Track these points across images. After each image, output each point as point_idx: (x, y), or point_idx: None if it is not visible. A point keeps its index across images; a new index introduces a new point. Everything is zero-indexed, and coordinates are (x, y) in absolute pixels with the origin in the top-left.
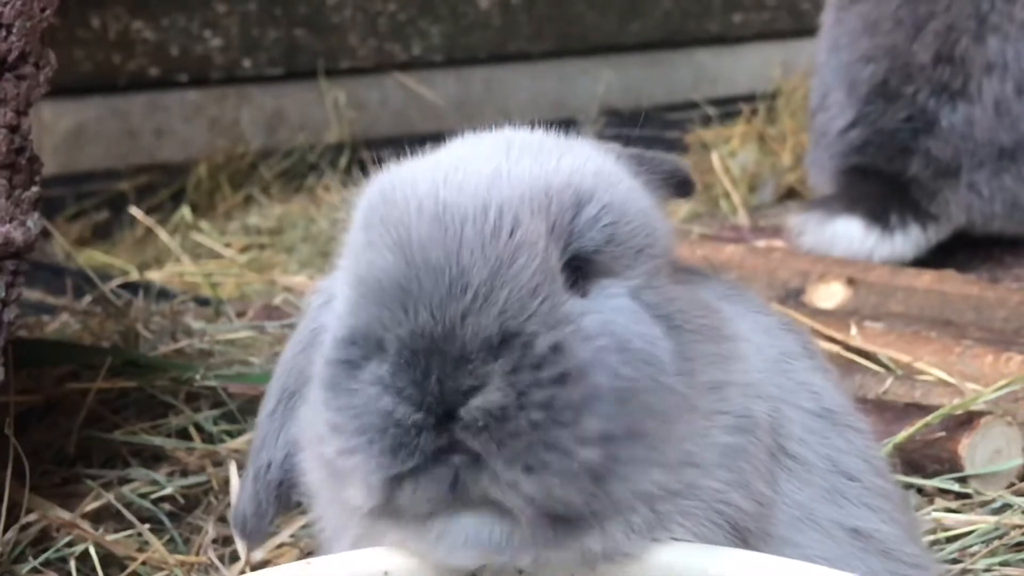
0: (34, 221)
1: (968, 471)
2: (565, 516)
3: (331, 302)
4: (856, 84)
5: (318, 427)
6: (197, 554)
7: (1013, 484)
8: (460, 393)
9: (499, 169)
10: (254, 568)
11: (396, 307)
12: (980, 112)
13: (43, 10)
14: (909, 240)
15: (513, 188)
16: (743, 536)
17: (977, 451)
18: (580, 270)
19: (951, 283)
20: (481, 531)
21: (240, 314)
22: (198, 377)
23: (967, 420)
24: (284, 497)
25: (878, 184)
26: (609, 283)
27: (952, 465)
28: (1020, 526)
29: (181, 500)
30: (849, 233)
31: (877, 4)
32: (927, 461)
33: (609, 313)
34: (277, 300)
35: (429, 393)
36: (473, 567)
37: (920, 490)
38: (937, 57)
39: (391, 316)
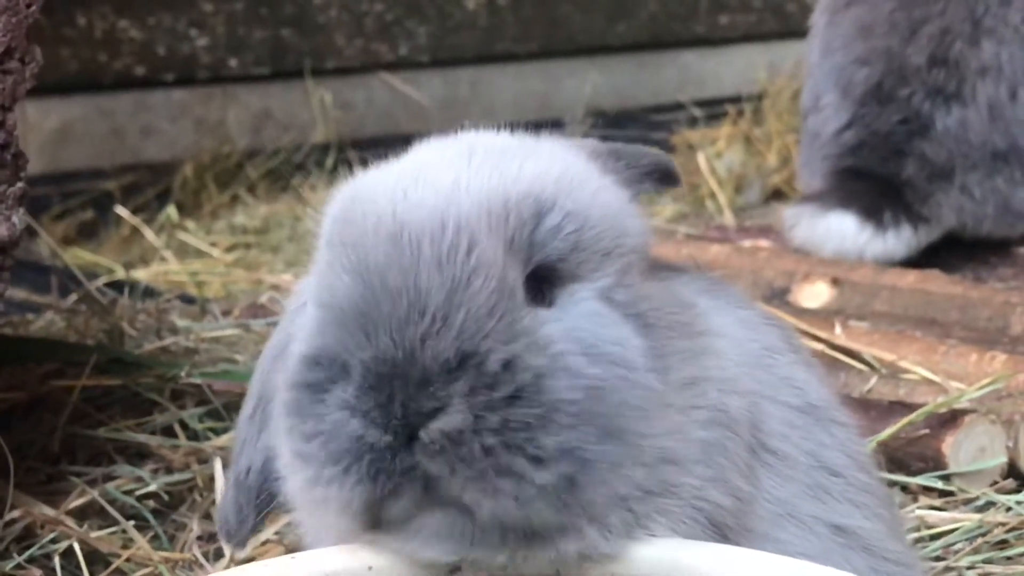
0: (19, 217)
1: (952, 469)
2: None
3: (305, 307)
4: (850, 86)
5: (285, 455)
6: (182, 551)
7: (996, 482)
8: (423, 415)
9: (458, 181)
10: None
11: (357, 331)
12: (974, 115)
13: (29, 6)
14: (901, 239)
15: (471, 202)
16: (722, 532)
17: (961, 449)
18: (545, 279)
19: (936, 283)
20: (453, 527)
21: (226, 313)
22: (183, 374)
23: (951, 418)
24: (265, 501)
25: (871, 185)
26: (577, 287)
27: (936, 463)
28: (1003, 524)
29: (166, 497)
30: (842, 229)
31: (871, 8)
32: (911, 459)
33: (574, 320)
34: (263, 299)
35: (394, 416)
36: (449, 562)
37: (904, 488)
38: (932, 60)
39: (353, 341)
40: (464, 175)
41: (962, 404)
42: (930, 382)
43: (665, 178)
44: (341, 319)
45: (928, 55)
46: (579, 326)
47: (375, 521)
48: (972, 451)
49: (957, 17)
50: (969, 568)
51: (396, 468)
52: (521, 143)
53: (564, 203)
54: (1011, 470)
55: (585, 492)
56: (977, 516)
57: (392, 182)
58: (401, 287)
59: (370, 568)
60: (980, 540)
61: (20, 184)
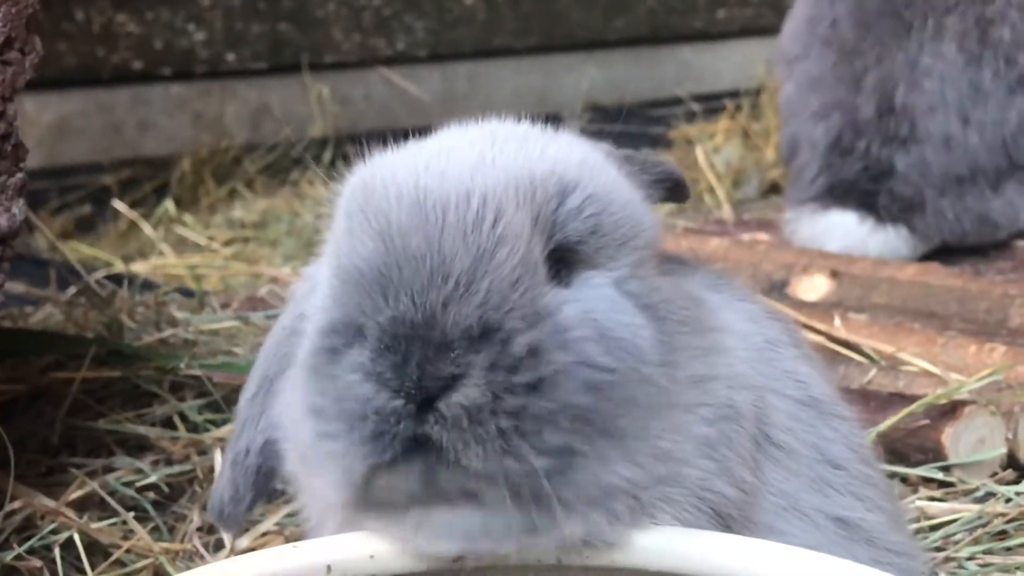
0: (19, 207)
1: (952, 460)
2: (538, 505)
3: (316, 289)
4: (814, 141)
5: (297, 409)
6: (182, 542)
7: (996, 473)
8: (439, 379)
9: (483, 157)
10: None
11: (376, 294)
12: (931, 151)
13: None
14: (900, 235)
15: (497, 176)
16: (726, 523)
17: (961, 440)
18: (563, 260)
19: (934, 275)
20: (458, 523)
21: (224, 305)
22: (183, 366)
23: (951, 409)
24: (262, 483)
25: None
26: (593, 274)
27: (936, 454)
28: (1003, 514)
29: (166, 489)
30: (844, 224)
31: (818, 61)
32: (911, 450)
33: (591, 302)
34: (262, 291)
35: (408, 378)
36: (454, 553)
37: (904, 479)
38: (879, 109)
39: (372, 303)
40: (489, 152)
41: (961, 395)
42: (929, 374)
43: (675, 189)
44: (360, 281)
45: (875, 105)
46: (595, 308)
47: (370, 498)
48: (972, 442)
49: (895, 63)
50: (969, 559)
51: (399, 434)
52: (542, 131)
53: (586, 185)
54: (1010, 461)
55: (573, 480)
56: (977, 507)
57: (414, 157)
58: (424, 252)
59: (372, 556)
60: (980, 531)
61: (20, 175)
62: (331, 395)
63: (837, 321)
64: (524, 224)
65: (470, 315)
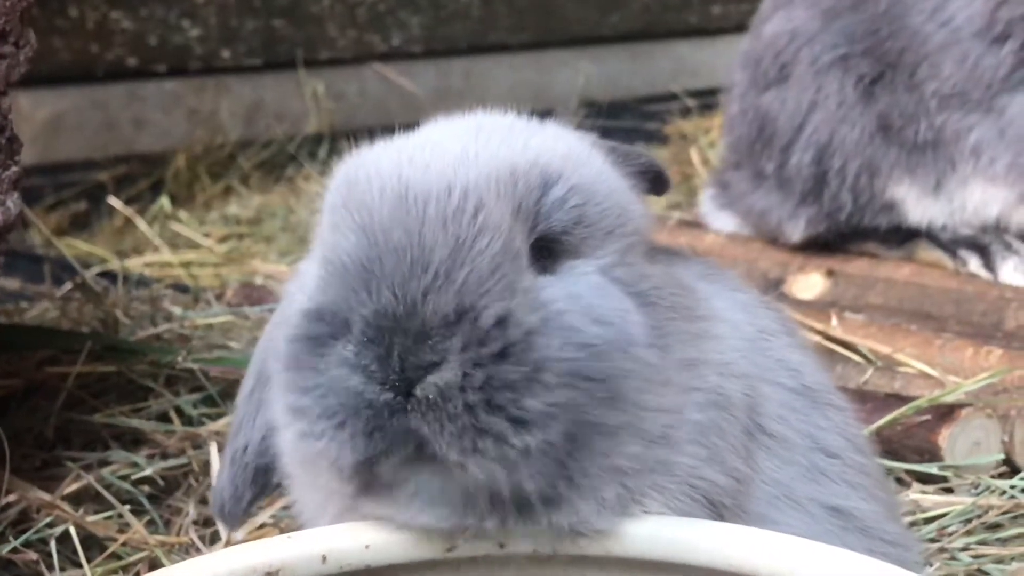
0: (14, 201)
1: (948, 462)
2: (521, 495)
3: (304, 285)
4: None
5: (278, 410)
6: (178, 535)
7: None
8: (421, 368)
9: (466, 150)
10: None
11: (360, 287)
12: None
13: None
14: None
15: (479, 169)
16: (719, 511)
17: (957, 442)
18: (548, 250)
19: (931, 276)
20: (446, 492)
21: (219, 296)
22: (180, 359)
23: (948, 411)
24: (261, 479)
25: None
26: (579, 263)
27: (932, 456)
28: (997, 506)
29: (161, 482)
30: None
31: None
32: (907, 452)
33: (576, 287)
34: (257, 280)
35: (392, 370)
36: (442, 529)
37: (899, 479)
38: None
39: (355, 296)
40: (472, 145)
41: (958, 398)
42: (926, 376)
43: (657, 182)
44: (344, 275)
45: None
46: (580, 293)
47: (365, 480)
48: (968, 445)
49: None
50: (963, 550)
51: (392, 427)
52: (527, 123)
53: (570, 177)
54: (1006, 464)
55: (579, 459)
56: (971, 499)
57: (398, 150)
58: (405, 244)
59: (367, 546)
60: (975, 522)
61: (14, 168)
62: (314, 391)
63: (834, 321)
64: (504, 215)
65: (448, 303)
